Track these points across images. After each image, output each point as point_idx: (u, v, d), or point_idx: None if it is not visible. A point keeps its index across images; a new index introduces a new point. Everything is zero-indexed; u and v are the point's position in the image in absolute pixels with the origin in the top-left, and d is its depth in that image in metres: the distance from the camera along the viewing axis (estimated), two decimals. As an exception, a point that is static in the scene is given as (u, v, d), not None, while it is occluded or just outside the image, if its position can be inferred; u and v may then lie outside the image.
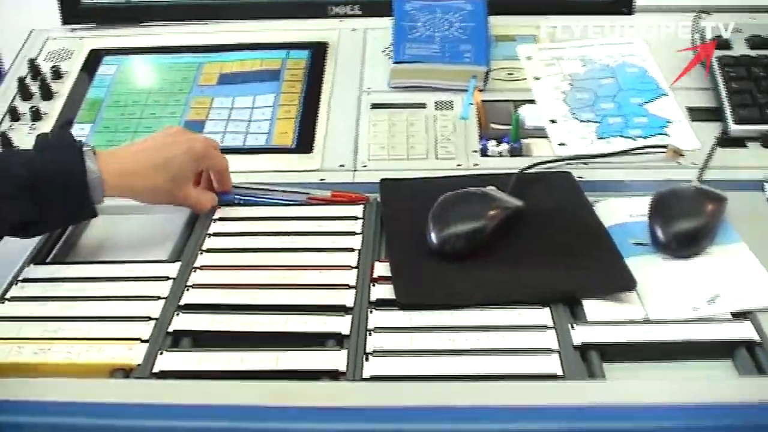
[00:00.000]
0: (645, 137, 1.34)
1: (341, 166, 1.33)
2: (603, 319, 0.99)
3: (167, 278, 1.09)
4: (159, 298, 1.06)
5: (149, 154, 1.15)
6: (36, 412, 0.90)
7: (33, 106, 1.47)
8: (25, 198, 1.05)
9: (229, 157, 1.32)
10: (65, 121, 1.46)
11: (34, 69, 1.53)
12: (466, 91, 1.44)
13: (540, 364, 0.93)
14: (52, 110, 1.49)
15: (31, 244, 1.17)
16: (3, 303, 1.07)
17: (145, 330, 1.01)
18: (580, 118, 1.38)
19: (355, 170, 1.32)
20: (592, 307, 1.01)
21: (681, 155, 1.30)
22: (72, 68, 1.57)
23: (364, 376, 0.92)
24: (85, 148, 1.10)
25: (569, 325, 0.98)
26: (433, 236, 1.09)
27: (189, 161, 1.17)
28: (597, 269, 1.06)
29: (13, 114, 1.47)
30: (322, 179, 1.31)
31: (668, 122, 1.36)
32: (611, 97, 1.42)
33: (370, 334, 0.98)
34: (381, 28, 1.59)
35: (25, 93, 1.50)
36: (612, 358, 0.95)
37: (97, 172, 1.09)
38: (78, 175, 1.08)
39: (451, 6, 1.55)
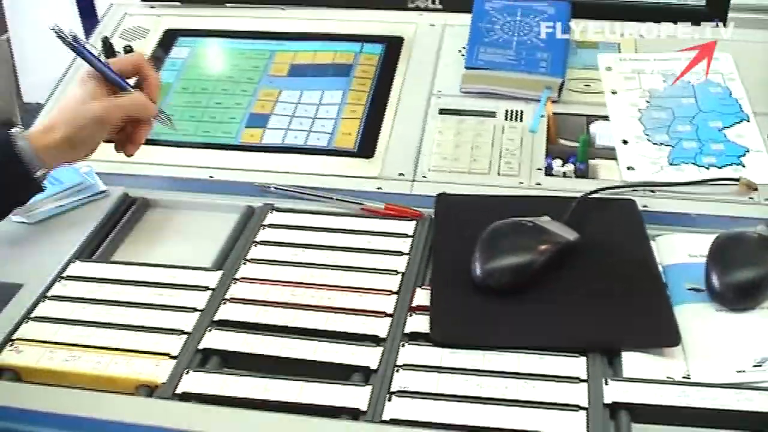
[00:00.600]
0: (719, 166, 1.28)
1: (400, 174, 1.31)
2: (641, 375, 0.96)
3: (207, 288, 1.09)
4: (195, 310, 1.06)
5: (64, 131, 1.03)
6: (52, 424, 0.92)
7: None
8: None
9: (288, 156, 1.32)
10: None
11: (107, 47, 1.52)
12: (539, 101, 1.39)
13: (564, 423, 0.90)
14: (121, 92, 1.48)
15: (78, 238, 1.18)
16: (44, 301, 1.08)
17: (176, 345, 1.01)
18: (654, 140, 1.32)
19: (413, 180, 1.30)
20: (631, 360, 0.98)
21: (755, 189, 1.24)
22: (145, 48, 1.57)
23: (384, 418, 0.91)
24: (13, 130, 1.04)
25: (603, 380, 0.94)
26: (478, 268, 1.06)
27: (100, 132, 1.04)
28: (642, 319, 1.02)
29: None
30: (378, 188, 1.29)
31: (746, 151, 1.30)
32: (689, 119, 1.36)
33: (397, 371, 0.96)
34: (460, 25, 1.53)
35: (95, 72, 1.49)
36: (643, 419, 0.92)
37: (27, 147, 1.00)
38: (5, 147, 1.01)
39: (533, 8, 1.49)
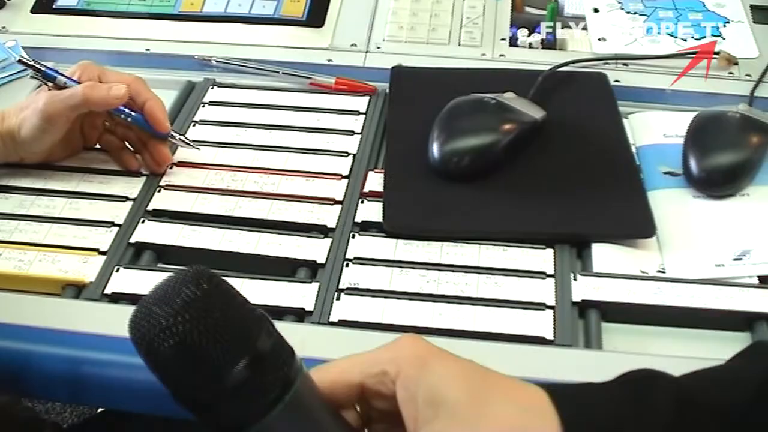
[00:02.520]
0: (697, 38, 1.18)
1: (353, 45, 1.21)
2: (611, 269, 0.88)
3: (139, 174, 1.00)
4: (127, 199, 0.96)
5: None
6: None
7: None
8: None
9: (233, 26, 1.23)
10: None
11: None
12: (503, -35, 1.28)
13: (530, 323, 0.82)
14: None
15: None
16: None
17: (106, 239, 0.92)
18: (627, 8, 1.23)
19: (367, 51, 1.20)
20: (601, 252, 0.90)
21: (734, 64, 1.16)
22: None
23: (332, 319, 0.83)
24: None
25: (571, 276, 0.86)
26: (436, 151, 0.97)
27: (39, 124, 0.95)
28: (615, 207, 0.94)
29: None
30: (329, 60, 1.19)
31: (726, 22, 1.21)
32: (665, -15, 1.26)
33: (347, 265, 0.88)
34: None
35: None
36: (615, 318, 0.85)
37: None
38: None
39: None
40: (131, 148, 1.01)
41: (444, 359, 0.58)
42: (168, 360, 0.53)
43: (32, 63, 0.98)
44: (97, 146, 1.03)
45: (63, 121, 0.95)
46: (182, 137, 1.00)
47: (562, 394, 0.56)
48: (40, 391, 0.89)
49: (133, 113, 0.97)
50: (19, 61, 1.00)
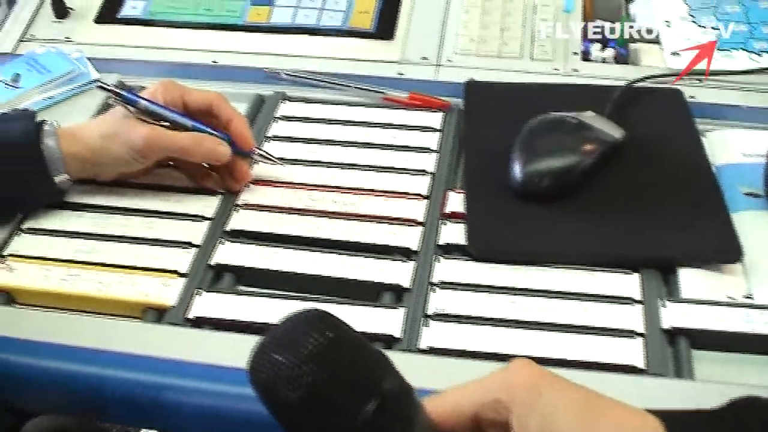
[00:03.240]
0: (773, 52, 1.17)
1: (424, 59, 1.20)
2: (699, 295, 0.87)
3: (215, 192, 0.99)
4: (204, 218, 0.96)
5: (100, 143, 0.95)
6: (50, 355, 0.83)
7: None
8: None
9: (300, 38, 1.22)
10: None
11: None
12: (573, -24, 1.27)
13: (621, 352, 0.81)
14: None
15: None
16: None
17: (185, 261, 0.91)
18: (699, 22, 1.21)
19: (438, 65, 1.19)
20: (688, 277, 0.89)
21: (812, 79, 1.14)
22: None
23: (421, 347, 0.82)
24: (45, 126, 0.95)
25: (659, 302, 0.85)
26: (517, 171, 0.96)
27: (133, 155, 0.94)
28: (700, 230, 0.93)
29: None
30: (400, 73, 1.18)
31: (803, 35, 1.19)
32: (737, -2, 1.24)
33: (433, 290, 0.87)
34: None
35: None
36: (703, 345, 0.83)
37: (54, 147, 0.93)
38: (32, 147, 0.93)
39: None
40: (206, 165, 1.00)
41: (557, 386, 0.57)
42: (293, 408, 0.53)
43: (112, 88, 0.96)
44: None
45: (156, 158, 0.96)
46: (265, 152, 0.99)
47: (673, 421, 0.56)
48: (117, 415, 0.90)
49: (217, 133, 0.96)
50: (99, 87, 0.98)
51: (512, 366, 0.59)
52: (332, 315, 0.56)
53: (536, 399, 0.56)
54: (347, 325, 0.56)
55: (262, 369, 0.54)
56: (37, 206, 0.97)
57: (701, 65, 1.15)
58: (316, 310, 0.56)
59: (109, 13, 1.30)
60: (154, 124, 0.94)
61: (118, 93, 0.95)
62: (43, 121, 0.95)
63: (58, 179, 0.94)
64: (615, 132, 1.00)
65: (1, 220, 0.96)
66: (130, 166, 0.95)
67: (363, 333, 0.80)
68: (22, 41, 1.28)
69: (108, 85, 0.97)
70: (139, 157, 0.94)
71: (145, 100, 0.94)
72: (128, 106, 0.94)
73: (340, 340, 0.54)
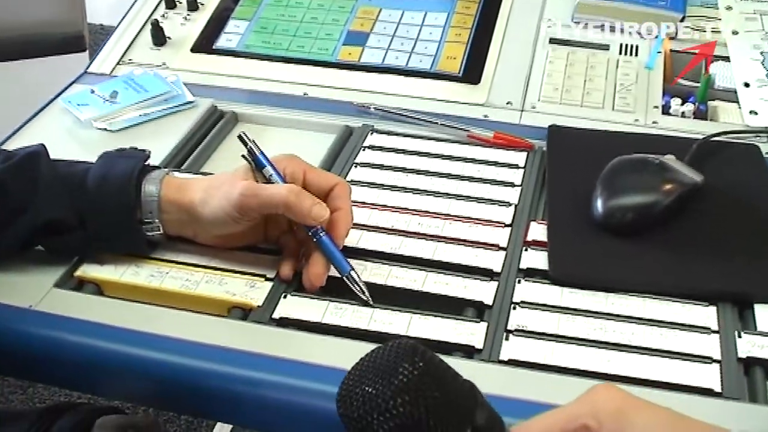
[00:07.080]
0: None
1: (508, 103, 1.24)
2: (774, 331, 0.88)
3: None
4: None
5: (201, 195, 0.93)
6: (135, 342, 0.87)
7: (191, -6, 1.41)
8: (66, 195, 0.92)
9: (389, 77, 1.25)
10: (221, 14, 1.40)
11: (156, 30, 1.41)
12: (656, 37, 1.31)
13: (697, 375, 0.83)
14: (210, 1, 1.43)
15: (164, 149, 1.14)
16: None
17: (272, 267, 0.95)
18: (777, 85, 1.24)
19: (522, 110, 1.23)
20: (763, 313, 0.90)
21: None
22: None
23: (501, 358, 0.85)
24: (153, 172, 0.95)
25: (735, 333, 0.87)
26: (600, 205, 0.99)
27: (229, 211, 0.90)
28: (775, 270, 0.95)
29: (169, 1, 1.41)
30: (485, 116, 1.22)
31: None
32: (814, 65, 1.27)
33: (514, 308, 0.90)
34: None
35: (184, -20, 1.44)
36: (777, 376, 0.85)
37: (154, 194, 0.93)
38: (125, 195, 0.92)
39: (654, -61, 1.40)
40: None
41: (643, 410, 0.58)
42: None
43: (249, 143, 0.94)
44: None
45: (254, 216, 0.91)
46: (359, 283, 0.91)
47: None
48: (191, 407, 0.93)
49: (321, 235, 0.92)
50: (239, 137, 0.95)
51: (595, 392, 0.60)
52: (424, 347, 0.56)
53: (624, 423, 0.57)
54: (438, 357, 0.56)
55: (352, 402, 0.54)
56: (119, 251, 0.96)
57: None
58: (407, 339, 0.57)
59: (205, 44, 1.36)
60: None
61: (252, 151, 0.93)
62: (153, 167, 0.97)
63: (148, 227, 0.93)
64: (695, 175, 1.03)
65: (80, 253, 0.96)
66: (227, 226, 0.92)
67: (444, 342, 0.84)
68: (119, 64, 1.34)
69: (249, 139, 0.95)
70: (234, 212, 0.89)
71: (272, 167, 0.93)
72: (253, 164, 0.94)
73: (432, 370, 0.55)
